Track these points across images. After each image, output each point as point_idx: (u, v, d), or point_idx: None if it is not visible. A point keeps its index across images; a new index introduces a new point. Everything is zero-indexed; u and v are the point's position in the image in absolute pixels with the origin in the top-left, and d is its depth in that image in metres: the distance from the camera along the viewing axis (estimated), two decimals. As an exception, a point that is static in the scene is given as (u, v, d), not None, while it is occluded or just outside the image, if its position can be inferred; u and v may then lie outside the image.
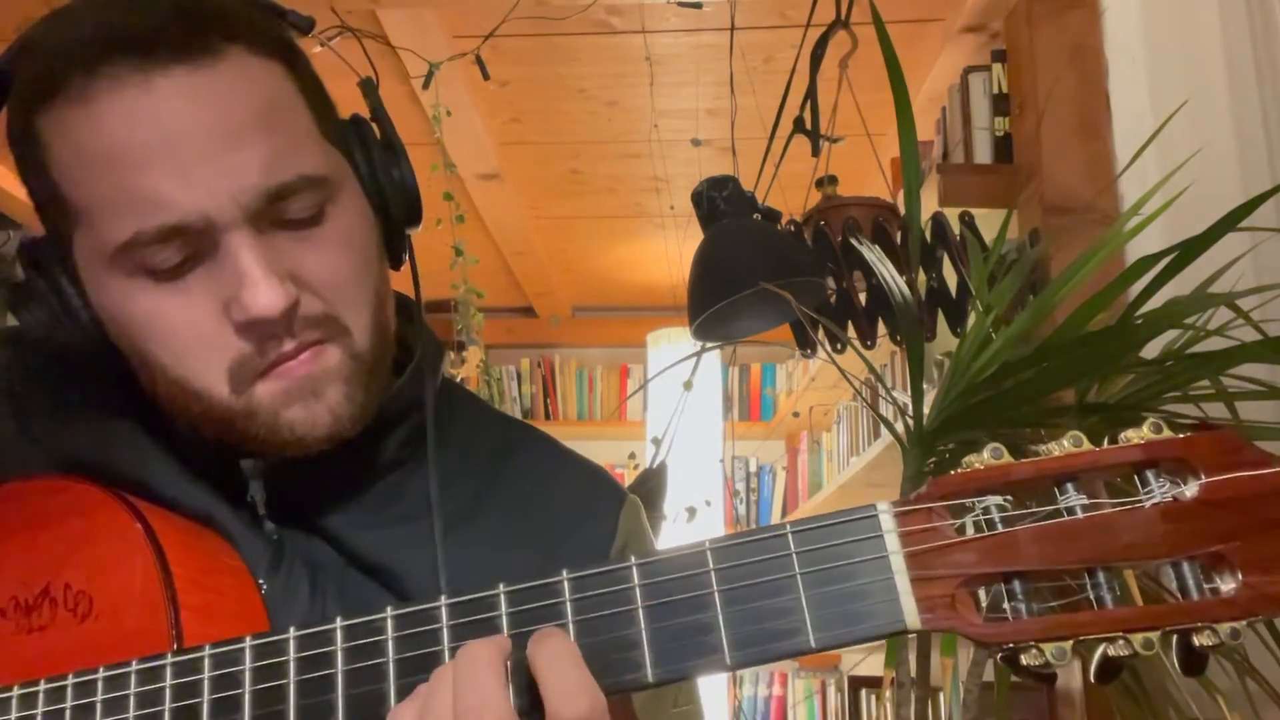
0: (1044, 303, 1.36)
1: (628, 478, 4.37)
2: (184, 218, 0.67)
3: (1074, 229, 1.88)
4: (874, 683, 3.65)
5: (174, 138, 0.66)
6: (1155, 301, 1.22)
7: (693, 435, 3.61)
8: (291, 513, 0.77)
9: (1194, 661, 0.52)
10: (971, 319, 1.63)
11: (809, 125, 1.93)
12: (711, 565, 0.56)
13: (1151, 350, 1.26)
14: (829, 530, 0.56)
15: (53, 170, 0.69)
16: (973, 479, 0.55)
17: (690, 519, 3.31)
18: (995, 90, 2.15)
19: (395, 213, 0.78)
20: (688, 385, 2.26)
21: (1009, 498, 0.54)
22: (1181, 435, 0.53)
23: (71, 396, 0.79)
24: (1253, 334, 1.15)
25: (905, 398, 1.35)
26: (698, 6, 2.31)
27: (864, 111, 1.99)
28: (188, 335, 0.70)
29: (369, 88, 0.81)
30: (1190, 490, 0.52)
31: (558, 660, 0.55)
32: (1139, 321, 1.20)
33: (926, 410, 1.29)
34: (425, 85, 2.42)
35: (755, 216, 1.73)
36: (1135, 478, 0.54)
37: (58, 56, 0.68)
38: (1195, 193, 1.43)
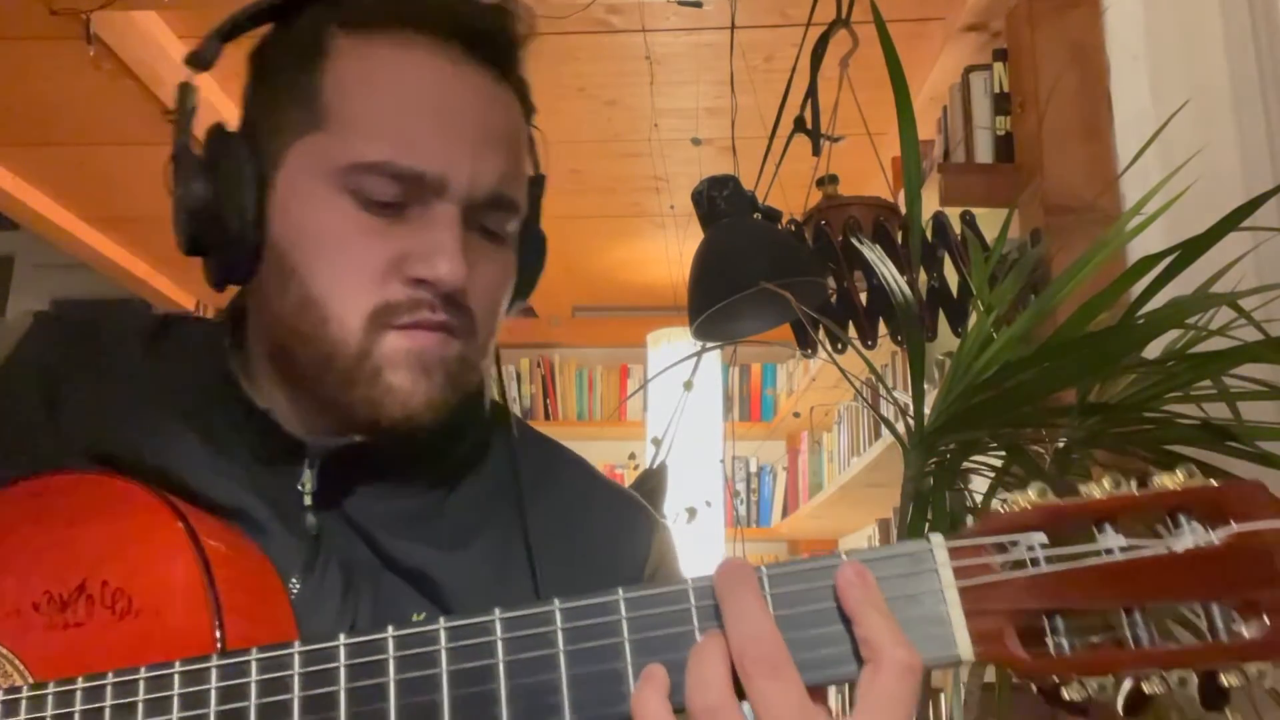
0: (1045, 302, 1.35)
1: (628, 478, 4.37)
2: (429, 169, 0.75)
3: (1075, 228, 1.87)
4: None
5: (456, 111, 0.77)
6: (1157, 301, 1.21)
7: (693, 435, 3.60)
8: (335, 507, 0.78)
9: (1218, 698, 0.55)
10: (972, 319, 1.62)
11: (809, 124, 1.93)
12: (768, 590, 0.58)
13: (1153, 350, 1.26)
14: (883, 562, 0.58)
15: (326, 77, 0.77)
16: (1020, 518, 0.58)
17: (690, 519, 3.31)
18: (996, 89, 2.14)
19: (517, 287, 0.86)
20: (688, 385, 2.25)
21: (1051, 535, 0.57)
22: (1216, 484, 0.57)
23: (105, 379, 0.80)
24: (1255, 334, 1.15)
25: (906, 398, 1.35)
26: (698, 5, 2.30)
27: (865, 110, 1.99)
28: (359, 262, 0.75)
29: (537, 183, 0.91)
30: (1221, 536, 0.56)
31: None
32: (1140, 321, 1.19)
33: (927, 410, 1.28)
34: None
35: (755, 216, 1.73)
36: (1168, 518, 0.57)
37: (393, 5, 0.78)
38: (1197, 192, 1.42)
